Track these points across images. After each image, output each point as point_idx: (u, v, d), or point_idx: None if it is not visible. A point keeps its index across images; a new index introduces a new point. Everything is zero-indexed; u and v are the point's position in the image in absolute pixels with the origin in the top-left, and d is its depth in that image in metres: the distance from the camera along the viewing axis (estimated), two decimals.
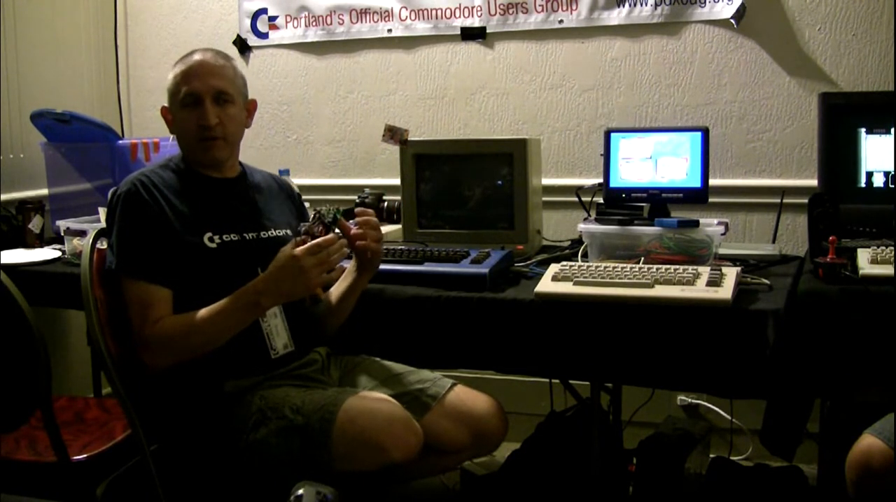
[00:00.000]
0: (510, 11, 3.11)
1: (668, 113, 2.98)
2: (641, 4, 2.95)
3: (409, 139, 2.68)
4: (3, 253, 2.65)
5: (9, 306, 1.95)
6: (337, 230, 2.00)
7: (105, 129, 3.00)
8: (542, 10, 3.07)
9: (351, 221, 2.07)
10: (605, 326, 2.06)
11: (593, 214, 2.50)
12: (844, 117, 2.46)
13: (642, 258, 2.27)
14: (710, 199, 2.48)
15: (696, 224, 2.32)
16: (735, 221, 2.87)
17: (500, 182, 2.60)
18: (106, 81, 3.59)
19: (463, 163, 2.67)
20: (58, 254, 2.70)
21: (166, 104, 2.12)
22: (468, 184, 2.65)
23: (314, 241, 1.92)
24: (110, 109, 3.58)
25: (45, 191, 3.09)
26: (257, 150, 3.39)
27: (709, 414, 3.02)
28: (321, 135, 3.42)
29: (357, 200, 2.94)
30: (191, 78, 2.05)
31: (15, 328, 1.95)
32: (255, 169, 2.24)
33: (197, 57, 2.08)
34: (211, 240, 2.02)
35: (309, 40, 3.38)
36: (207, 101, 2.05)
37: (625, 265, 2.17)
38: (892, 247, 2.08)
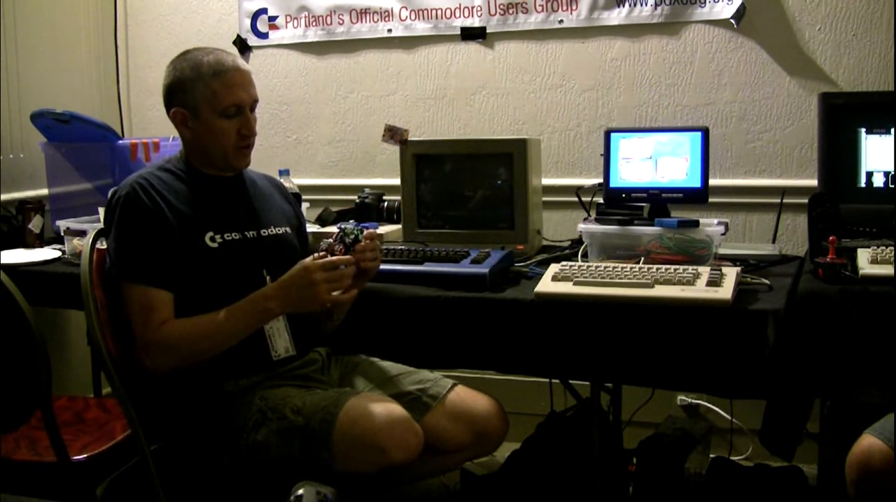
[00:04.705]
0: (510, 11, 3.11)
1: (668, 113, 2.98)
2: (641, 4, 2.95)
3: (409, 139, 2.68)
4: (3, 253, 2.65)
5: (9, 306, 1.95)
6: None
7: (105, 129, 3.00)
8: (542, 10, 3.07)
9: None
10: (605, 326, 2.06)
11: (593, 214, 2.50)
12: (844, 117, 2.46)
13: (642, 258, 2.27)
14: (710, 199, 2.48)
15: (696, 224, 2.32)
16: (735, 221, 2.87)
17: (500, 182, 2.60)
18: (106, 81, 3.59)
19: (463, 163, 2.67)
20: (58, 254, 2.70)
21: (174, 103, 2.06)
22: (468, 184, 2.65)
23: (329, 258, 1.94)
24: (110, 109, 3.58)
25: (45, 191, 3.09)
26: (257, 150, 3.34)
27: (709, 414, 3.02)
28: (321, 135, 3.42)
29: (357, 200, 2.94)
30: (235, 88, 2.03)
31: (15, 328, 1.95)
32: (248, 169, 2.24)
33: (230, 63, 2.05)
34: (212, 239, 2.02)
35: (309, 40, 3.38)
36: (247, 109, 2.07)
37: (625, 265, 2.17)
38: (892, 247, 2.08)
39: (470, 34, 3.17)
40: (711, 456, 2.63)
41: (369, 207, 2.91)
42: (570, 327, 2.08)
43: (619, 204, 2.48)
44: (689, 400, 3.05)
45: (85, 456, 2.08)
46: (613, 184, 2.52)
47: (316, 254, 1.98)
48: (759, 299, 2.03)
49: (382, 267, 2.18)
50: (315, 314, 2.13)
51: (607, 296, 2.05)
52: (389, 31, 3.26)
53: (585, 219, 2.48)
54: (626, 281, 2.07)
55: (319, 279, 1.91)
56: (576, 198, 2.69)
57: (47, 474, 2.06)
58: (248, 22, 3.45)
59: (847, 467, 1.77)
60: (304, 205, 2.74)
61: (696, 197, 2.46)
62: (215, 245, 2.02)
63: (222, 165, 2.10)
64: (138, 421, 1.97)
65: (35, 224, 2.85)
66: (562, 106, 3.10)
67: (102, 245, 2.06)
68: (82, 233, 2.60)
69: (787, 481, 2.46)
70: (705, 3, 2.89)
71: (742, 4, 2.84)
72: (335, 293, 1.96)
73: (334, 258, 1.96)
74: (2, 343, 1.96)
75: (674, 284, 2.04)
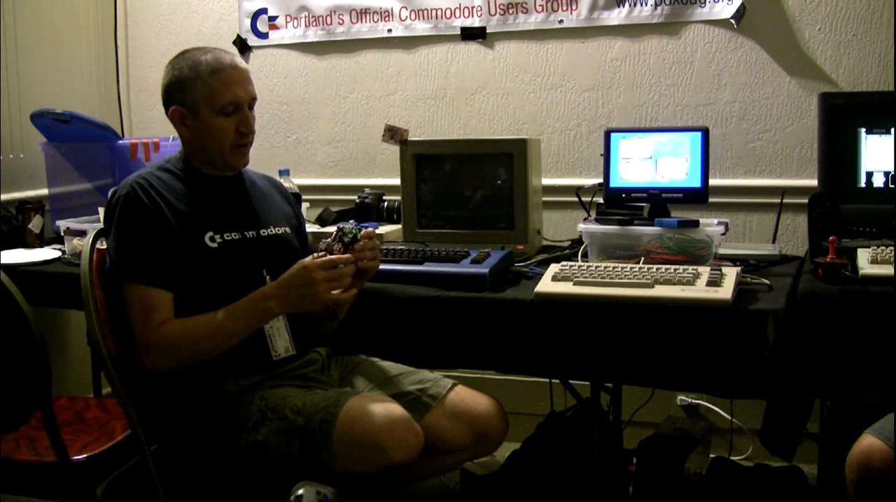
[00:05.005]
0: (510, 11, 3.11)
1: (668, 113, 2.98)
2: (641, 4, 2.95)
3: (409, 139, 2.68)
4: (3, 253, 2.65)
5: (9, 306, 1.95)
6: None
7: (105, 129, 3.00)
8: (542, 10, 3.07)
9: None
10: (605, 326, 2.06)
11: (593, 214, 2.50)
12: (844, 117, 2.46)
13: (642, 258, 2.27)
14: (710, 199, 2.48)
15: (696, 224, 2.32)
16: (735, 221, 2.87)
17: (500, 182, 2.60)
18: (106, 81, 3.59)
19: (463, 163, 2.67)
20: (58, 254, 2.70)
21: (173, 102, 2.06)
22: (468, 184, 2.65)
23: (328, 257, 1.94)
24: (110, 109, 3.58)
25: (45, 191, 3.09)
26: (257, 150, 3.33)
27: (709, 414, 3.02)
28: (321, 135, 3.42)
29: (357, 200, 2.94)
30: (233, 85, 2.04)
31: (15, 328, 1.95)
32: (248, 169, 2.24)
33: (228, 61, 2.05)
34: (212, 239, 2.02)
35: (309, 40, 3.38)
36: (245, 107, 2.06)
37: (625, 265, 2.17)
38: (892, 247, 2.08)
39: (470, 34, 3.17)
40: (711, 456, 2.63)
41: (369, 207, 2.91)
42: (570, 327, 2.08)
43: (619, 204, 2.48)
44: (689, 400, 3.05)
45: (85, 456, 2.08)
46: (613, 184, 2.52)
47: (315, 254, 1.98)
48: (759, 299, 2.03)
49: (382, 267, 2.18)
50: (316, 314, 2.13)
51: (607, 296, 2.05)
52: (389, 31, 3.26)
53: (585, 219, 2.48)
54: (626, 281, 2.07)
55: (319, 278, 1.92)
56: (576, 198, 2.69)
57: (47, 474, 2.06)
58: (248, 22, 3.45)
59: (847, 467, 1.77)
60: (304, 205, 2.74)
61: (696, 197, 2.46)
62: (215, 245, 2.02)
63: (221, 164, 2.10)
64: (138, 421, 1.97)
65: (35, 224, 2.85)
66: (562, 106, 3.10)
67: (102, 245, 2.06)
68: (82, 233, 2.60)
69: (787, 481, 2.46)
70: (705, 3, 2.89)
71: (742, 4, 2.84)
72: (335, 292, 1.96)
73: (333, 257, 1.97)
74: (2, 343, 1.96)
75: (674, 284, 2.04)
